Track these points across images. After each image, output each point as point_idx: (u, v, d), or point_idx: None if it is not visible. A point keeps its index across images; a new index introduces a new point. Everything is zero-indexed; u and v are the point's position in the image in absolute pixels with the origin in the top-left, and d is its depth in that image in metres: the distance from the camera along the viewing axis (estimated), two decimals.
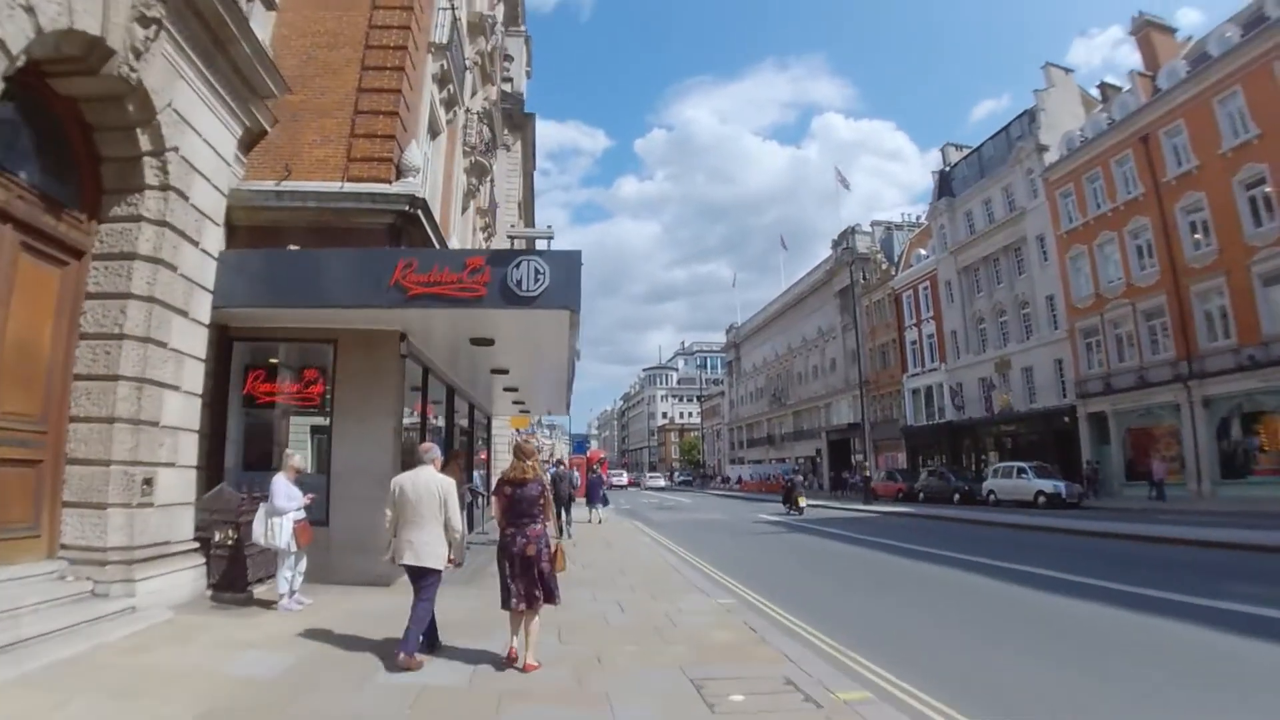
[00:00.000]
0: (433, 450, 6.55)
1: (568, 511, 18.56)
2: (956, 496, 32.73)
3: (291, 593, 8.02)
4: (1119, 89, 38.16)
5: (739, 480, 67.13)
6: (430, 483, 6.14)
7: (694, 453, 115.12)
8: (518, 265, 8.38)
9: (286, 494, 7.90)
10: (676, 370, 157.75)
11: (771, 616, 8.38)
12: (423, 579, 6.08)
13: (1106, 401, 32.52)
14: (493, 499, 6.75)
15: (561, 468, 21.29)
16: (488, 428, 21.93)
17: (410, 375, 11.20)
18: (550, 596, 6.08)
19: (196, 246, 8.09)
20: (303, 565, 8.19)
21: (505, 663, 5.95)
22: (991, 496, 30.47)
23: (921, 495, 35.29)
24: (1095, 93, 40.41)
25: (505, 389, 16.04)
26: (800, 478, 36.08)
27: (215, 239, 8.62)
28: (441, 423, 14.10)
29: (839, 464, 55.37)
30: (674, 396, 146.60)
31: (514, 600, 5.95)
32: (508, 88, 28.28)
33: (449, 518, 6.11)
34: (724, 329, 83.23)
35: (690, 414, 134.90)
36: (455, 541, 6.27)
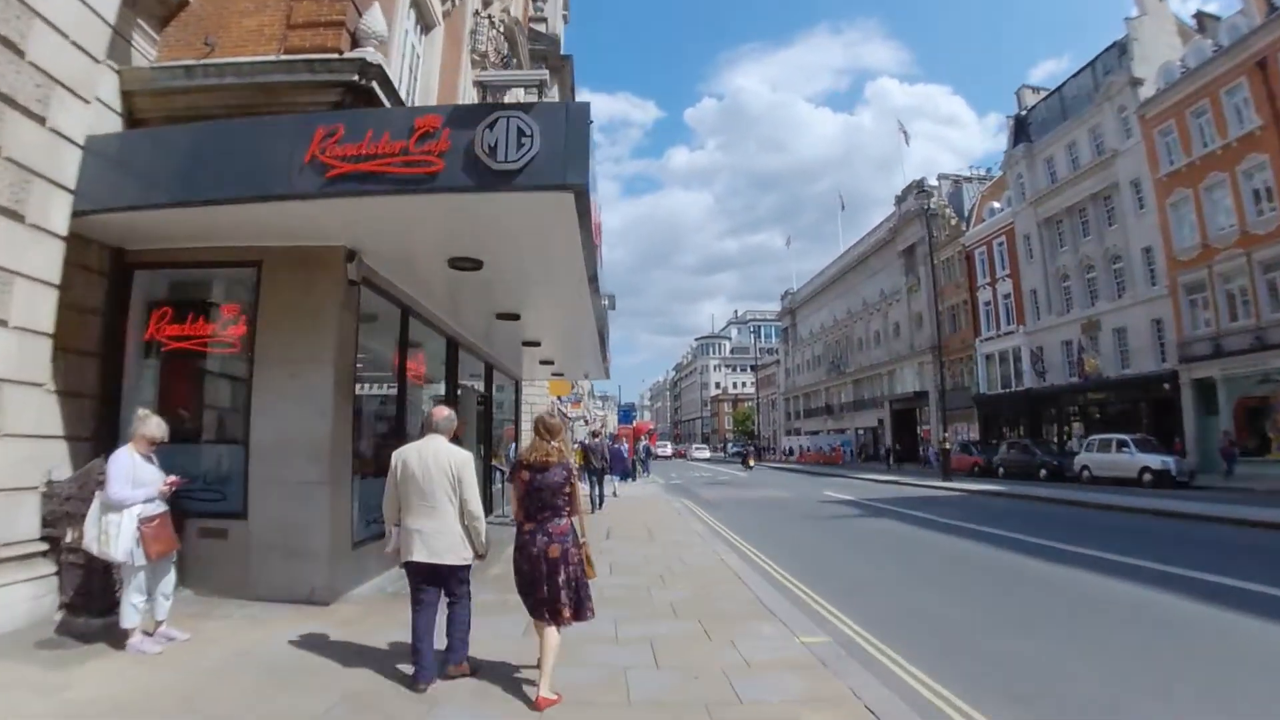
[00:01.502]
0: (449, 417, 5.28)
1: (600, 485, 17.80)
2: (1043, 472, 29.52)
3: (157, 624, 5.69)
4: (1217, 19, 33.98)
5: (795, 452, 64.25)
6: (442, 457, 5.00)
7: (748, 423, 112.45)
8: (491, 124, 5.76)
9: (126, 477, 5.46)
10: (729, 339, 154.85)
11: (889, 671, 5.66)
12: (448, 582, 5.08)
13: (1215, 366, 28.79)
14: (508, 487, 5.53)
15: (594, 439, 19.47)
16: (516, 395, 19.54)
17: (380, 317, 8.86)
18: (580, 611, 4.92)
19: (42, 124, 5.75)
20: (168, 584, 5.82)
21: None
22: (1085, 473, 27.18)
23: (1001, 470, 32.11)
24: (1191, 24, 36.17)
25: (525, 343, 13.55)
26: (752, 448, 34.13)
27: (79, 120, 6.30)
28: (440, 388, 11.69)
29: (904, 435, 52.09)
30: (727, 366, 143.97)
31: (529, 607, 4.94)
32: (541, 28, 25.64)
33: (465, 501, 4.99)
34: (777, 299, 79.74)
35: (744, 384, 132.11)
36: (475, 530, 5.07)
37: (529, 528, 4.91)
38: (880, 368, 56.69)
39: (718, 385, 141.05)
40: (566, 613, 4.82)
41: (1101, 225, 35.92)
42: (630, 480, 24.80)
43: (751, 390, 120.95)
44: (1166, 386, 31.01)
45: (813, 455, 58.77)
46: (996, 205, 45.02)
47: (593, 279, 8.11)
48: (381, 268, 8.08)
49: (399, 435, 8.85)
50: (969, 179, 51.43)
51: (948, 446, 29.38)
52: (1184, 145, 31.11)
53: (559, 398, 34.95)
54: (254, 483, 7.06)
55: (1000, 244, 42.93)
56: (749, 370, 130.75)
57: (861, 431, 60.45)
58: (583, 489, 15.74)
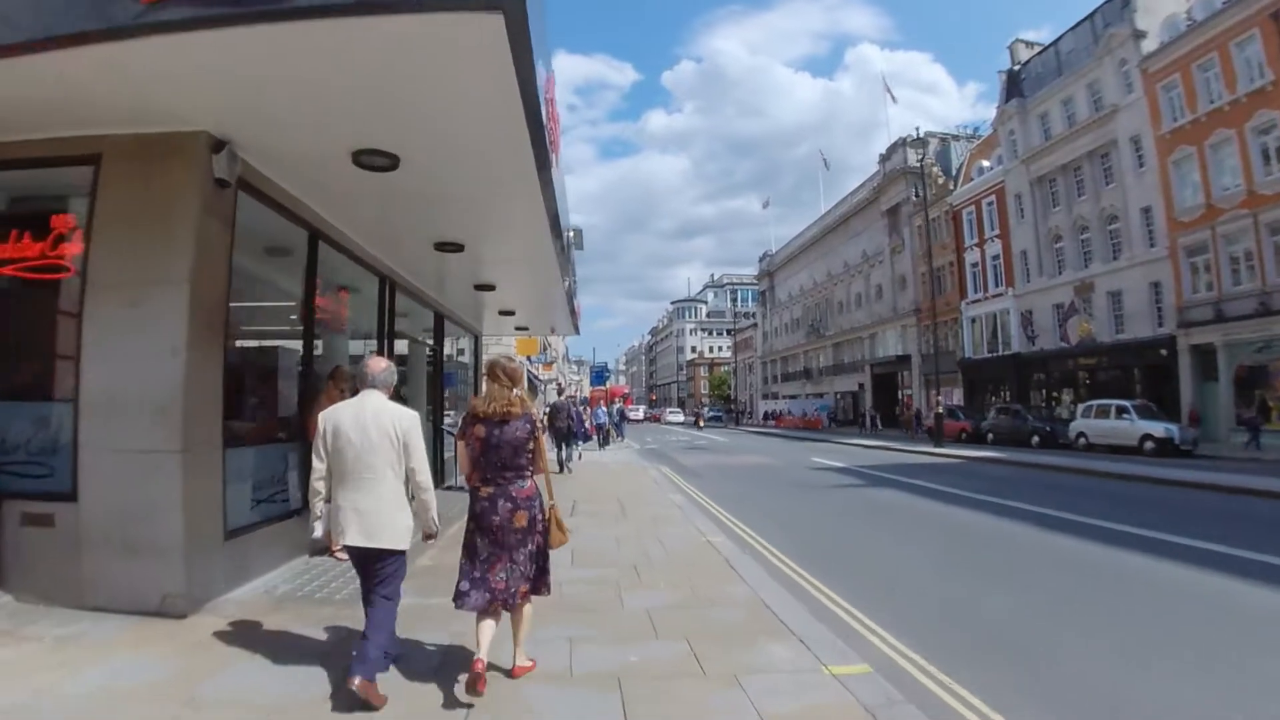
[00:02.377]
0: (388, 370, 4.32)
1: (568, 446, 17.66)
2: (1035, 439, 28.25)
3: None
4: None
5: (774, 416, 62.98)
6: (383, 417, 4.04)
7: (724, 388, 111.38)
8: None
9: None
10: (706, 303, 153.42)
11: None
12: (380, 565, 4.04)
13: (1216, 332, 27.52)
14: (457, 444, 4.44)
15: (561, 398, 18.39)
16: (475, 351, 17.70)
17: (282, 243, 7.06)
18: (543, 582, 4.36)
19: None
20: None
21: (474, 685, 3.82)
22: (1081, 440, 25.96)
23: (990, 436, 30.84)
24: None
25: (478, 287, 11.53)
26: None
27: None
28: (369, 341, 9.84)
29: (885, 400, 50.91)
30: (703, 330, 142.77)
31: (484, 594, 4.12)
32: None
33: (413, 470, 4.08)
34: (754, 264, 77.99)
35: (720, 348, 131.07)
36: (424, 505, 4.11)
37: (487, 493, 4.19)
38: (861, 331, 55.34)
39: (694, 349, 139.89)
40: (525, 587, 4.22)
41: (1098, 184, 34.41)
42: (602, 447, 22.98)
43: (728, 354, 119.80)
44: (1164, 352, 29.75)
45: (791, 420, 57.51)
46: (986, 164, 43.43)
47: (544, 170, 6.12)
48: (272, 169, 6.11)
49: (304, 393, 7.04)
50: (957, 137, 49.67)
51: (940, 411, 27.87)
52: (1189, 101, 29.54)
53: (528, 358, 33.13)
54: (84, 452, 5.17)
55: (990, 203, 41.40)
56: (725, 334, 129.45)
57: (840, 396, 59.28)
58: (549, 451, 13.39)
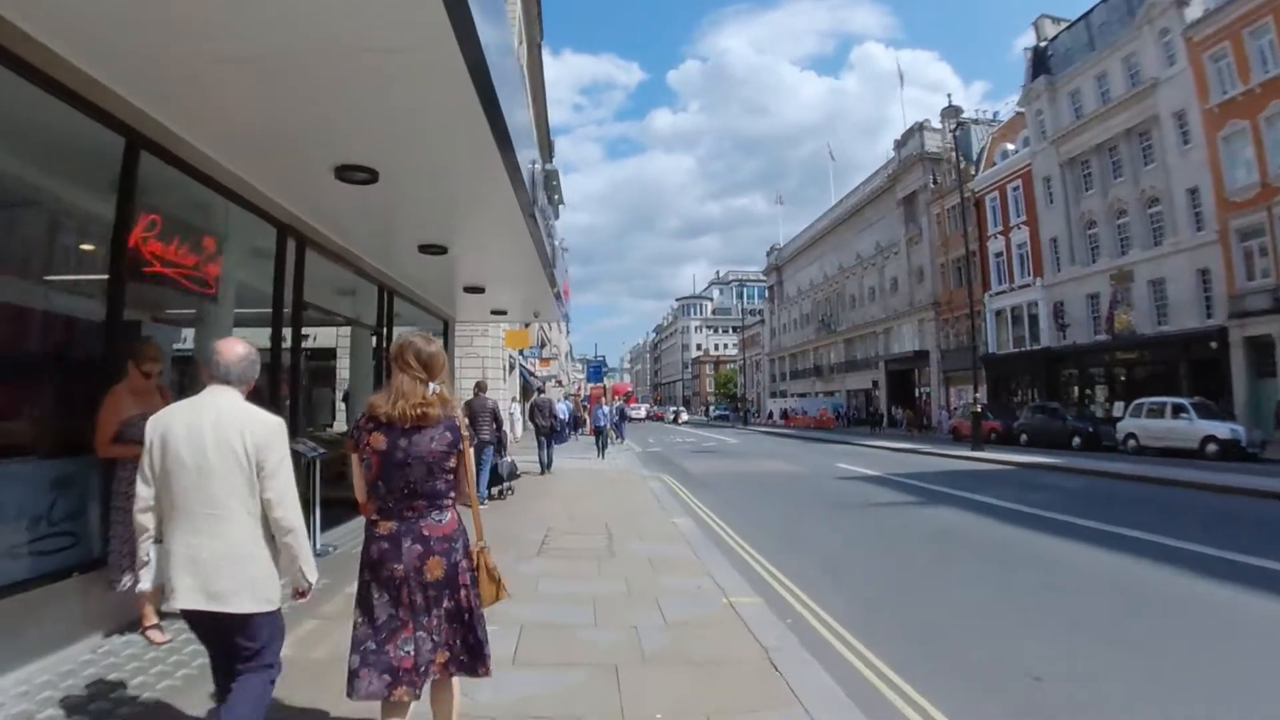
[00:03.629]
0: (246, 358, 2.90)
1: (549, 448, 16.36)
2: (1076, 440, 25.73)
3: None
4: None
5: (784, 415, 60.48)
6: (226, 428, 2.73)
7: (730, 385, 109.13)
8: None
9: None
10: (711, 300, 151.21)
11: None
12: (239, 637, 2.75)
13: (1275, 322, 24.98)
14: (353, 461, 3.03)
15: (543, 397, 17.71)
16: (445, 341, 15.28)
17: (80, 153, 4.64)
18: (477, 658, 3.04)
19: None
20: None
21: None
22: (1131, 442, 23.43)
23: (1024, 437, 28.33)
24: None
25: (424, 248, 8.78)
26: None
27: None
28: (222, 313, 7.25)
29: (900, 398, 48.33)
30: (709, 327, 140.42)
31: (382, 677, 2.87)
32: None
33: (270, 503, 2.75)
34: (760, 263, 75.19)
35: (726, 345, 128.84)
36: (291, 551, 2.80)
37: (388, 529, 2.92)
38: (875, 326, 52.79)
39: (699, 347, 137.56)
40: (444, 658, 2.93)
41: (1136, 164, 31.86)
42: (601, 453, 20.42)
43: (734, 352, 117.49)
44: (1213, 345, 27.22)
45: (801, 419, 54.98)
46: (1010, 147, 40.90)
47: (485, 87, 3.78)
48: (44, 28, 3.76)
49: (100, 377, 4.60)
50: (977, 121, 47.07)
51: (978, 409, 25.16)
52: (1240, 71, 27.03)
53: (520, 352, 30.69)
54: None
55: (1015, 188, 38.86)
56: (731, 332, 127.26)
57: (853, 394, 56.76)
58: (511, 456, 10.77)
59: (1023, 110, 40.59)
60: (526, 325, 35.83)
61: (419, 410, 2.91)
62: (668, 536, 8.52)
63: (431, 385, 3.02)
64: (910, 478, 16.51)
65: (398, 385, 2.98)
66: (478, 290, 11.82)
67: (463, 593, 3.00)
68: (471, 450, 3.21)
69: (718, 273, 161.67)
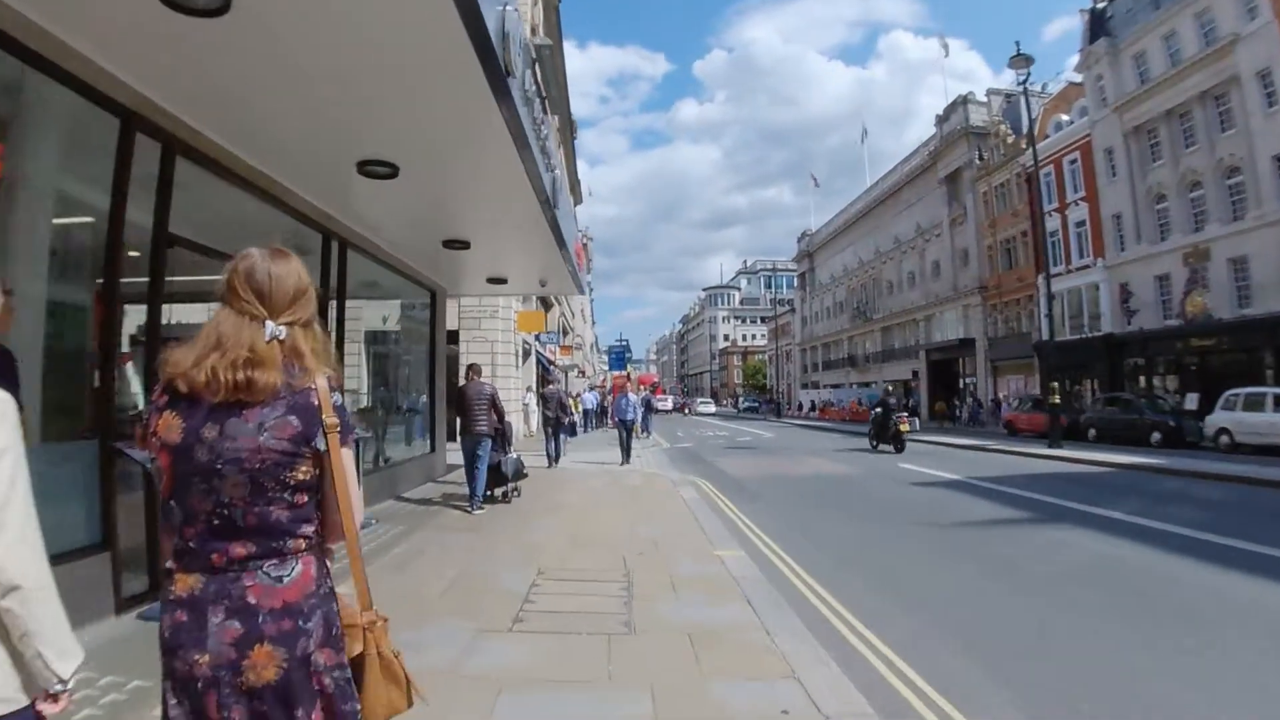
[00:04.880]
0: None
1: (557, 440, 15.87)
2: (1156, 435, 23.03)
3: None
4: None
5: (819, 407, 57.86)
6: None
7: (759, 376, 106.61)
8: None
9: None
10: (739, 290, 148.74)
11: None
12: None
13: None
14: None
15: (552, 387, 17.21)
16: (433, 316, 12.99)
17: None
18: None
19: None
20: None
21: None
22: (1224, 438, 20.71)
23: (1092, 432, 25.62)
24: None
25: (363, 166, 6.46)
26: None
27: None
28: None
29: (942, 388, 45.52)
30: (736, 318, 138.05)
31: None
32: None
33: None
34: (788, 255, 72.11)
35: (754, 336, 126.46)
36: (23, 626, 1.43)
37: (185, 590, 1.64)
38: (915, 313, 49.99)
39: (726, 338, 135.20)
40: None
41: (1212, 131, 28.87)
42: (625, 459, 16.71)
43: (763, 342, 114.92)
44: None
45: (836, 411, 52.30)
46: (1065, 118, 38.00)
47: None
48: None
49: None
50: (1025, 92, 43.99)
51: (1056, 400, 22.23)
52: None
53: (536, 336, 28.44)
54: None
55: (1072, 162, 35.91)
56: (760, 322, 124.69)
57: (891, 384, 53.98)
58: (516, 451, 7.21)
59: (1076, 80, 37.70)
60: (546, 308, 33.72)
61: (241, 374, 1.63)
62: (715, 584, 5.97)
63: (272, 327, 1.71)
64: (995, 482, 13.86)
65: (211, 329, 1.71)
66: (460, 245, 9.54)
67: (317, 715, 1.66)
68: (346, 450, 1.76)
69: (745, 262, 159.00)
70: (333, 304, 8.42)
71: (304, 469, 1.68)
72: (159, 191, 5.26)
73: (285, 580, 1.66)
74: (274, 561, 1.66)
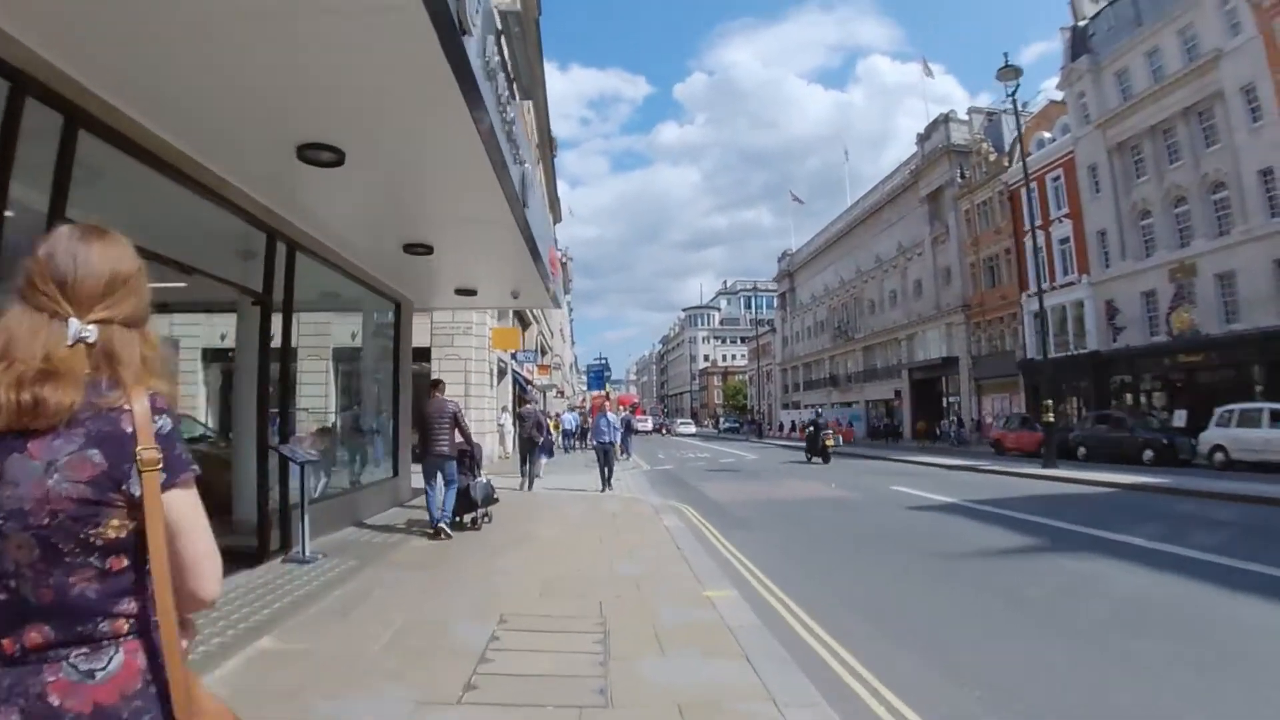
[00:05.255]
0: None
1: (532, 459, 15.57)
2: (1148, 454, 22.46)
3: None
4: None
5: (795, 426, 57.18)
6: None
7: (739, 397, 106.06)
8: None
9: None
10: (719, 310, 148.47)
11: None
12: None
13: None
14: None
15: (528, 407, 17.18)
16: (396, 329, 12.07)
17: None
18: None
19: None
20: None
21: None
22: (1219, 455, 20.17)
23: (1082, 451, 25.00)
24: None
25: (305, 153, 5.60)
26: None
27: None
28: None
29: (926, 409, 44.96)
30: (716, 338, 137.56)
31: None
32: None
33: None
34: (768, 275, 71.60)
35: (734, 356, 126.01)
36: None
37: None
38: (897, 332, 49.56)
39: (707, 358, 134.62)
40: None
41: (1196, 147, 28.68)
42: (605, 485, 15.18)
43: (743, 363, 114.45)
44: None
45: None
46: (1047, 135, 37.84)
47: None
48: None
49: None
50: (1006, 111, 43.92)
51: (1050, 418, 21.57)
52: None
53: (511, 355, 27.51)
54: None
55: (1055, 179, 35.71)
56: (740, 342, 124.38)
57: (873, 404, 53.44)
58: (486, 475, 7.78)
59: (1057, 98, 37.63)
60: (523, 326, 32.77)
61: (27, 393, 1.20)
62: (707, 635, 5.03)
63: (76, 327, 1.28)
64: (996, 505, 13.03)
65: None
66: (423, 249, 8.66)
67: None
68: (180, 494, 1.32)
69: (725, 283, 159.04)
70: (277, 316, 7.53)
71: (115, 522, 1.25)
72: (57, 172, 4.41)
73: (99, 676, 1.23)
74: (83, 651, 1.23)
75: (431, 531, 8.82)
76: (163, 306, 10.18)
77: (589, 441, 29.79)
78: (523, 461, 15.53)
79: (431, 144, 5.67)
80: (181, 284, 6.24)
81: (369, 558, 7.40)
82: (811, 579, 7.49)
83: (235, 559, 6.85)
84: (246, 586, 6.06)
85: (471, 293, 11.92)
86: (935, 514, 12.52)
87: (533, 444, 15.54)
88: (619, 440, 13.49)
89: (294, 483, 7.25)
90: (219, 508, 8.40)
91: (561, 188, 49.22)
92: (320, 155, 5.70)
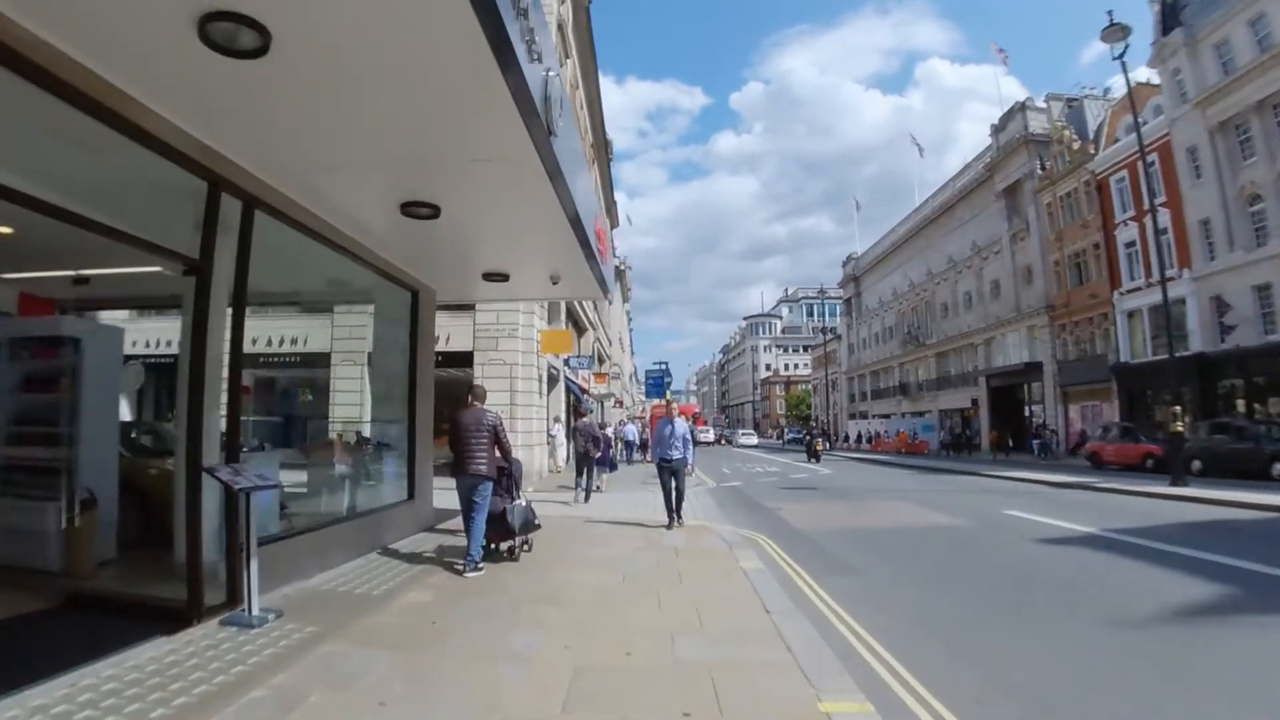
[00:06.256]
0: None
1: (589, 473, 15.44)
2: (1278, 468, 19.67)
3: None
4: None
5: (863, 438, 54.52)
6: None
7: (802, 407, 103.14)
8: None
9: None
10: (780, 318, 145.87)
11: None
12: None
13: None
14: None
15: (584, 420, 16.48)
16: (414, 322, 10.31)
17: None
18: None
19: None
20: None
21: None
22: None
23: (1198, 465, 22.18)
24: None
25: (225, 57, 4.03)
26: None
27: None
28: None
29: (1007, 418, 41.88)
30: (778, 347, 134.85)
31: None
32: None
33: None
34: (826, 284, 68.55)
35: (797, 365, 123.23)
36: None
37: None
38: (973, 336, 46.61)
39: (768, 367, 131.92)
40: None
41: None
42: (674, 518, 11.27)
43: (805, 371, 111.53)
44: None
45: (890, 443, 48.94)
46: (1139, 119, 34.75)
47: None
48: None
49: None
50: (1088, 96, 40.94)
51: (1179, 428, 18.71)
52: None
53: (565, 360, 25.88)
54: None
55: (1150, 164, 32.62)
56: (803, 351, 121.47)
57: (947, 414, 50.42)
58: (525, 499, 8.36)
59: (1146, 80, 34.63)
60: (578, 330, 31.12)
61: None
62: None
63: None
64: (1146, 537, 10.56)
65: None
66: (426, 211, 6.94)
67: None
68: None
69: (786, 290, 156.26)
70: (223, 294, 5.78)
71: None
72: None
73: None
74: None
75: (460, 566, 7.61)
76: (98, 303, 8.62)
77: (649, 455, 28.22)
78: (578, 474, 15.29)
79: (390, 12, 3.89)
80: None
81: (337, 621, 5.67)
82: (971, 668, 5.18)
83: (156, 618, 5.27)
84: (158, 662, 4.48)
85: (503, 278, 10.09)
86: (1078, 550, 10.10)
87: (588, 457, 15.29)
88: (689, 456, 10.66)
89: (265, 514, 5.68)
90: (145, 542, 6.83)
91: (619, 198, 47.77)
92: (231, 35, 3.97)
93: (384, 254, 8.81)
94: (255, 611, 5.40)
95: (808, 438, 41.37)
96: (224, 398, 5.81)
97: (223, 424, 5.84)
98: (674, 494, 11.18)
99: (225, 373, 5.81)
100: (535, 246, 8.74)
